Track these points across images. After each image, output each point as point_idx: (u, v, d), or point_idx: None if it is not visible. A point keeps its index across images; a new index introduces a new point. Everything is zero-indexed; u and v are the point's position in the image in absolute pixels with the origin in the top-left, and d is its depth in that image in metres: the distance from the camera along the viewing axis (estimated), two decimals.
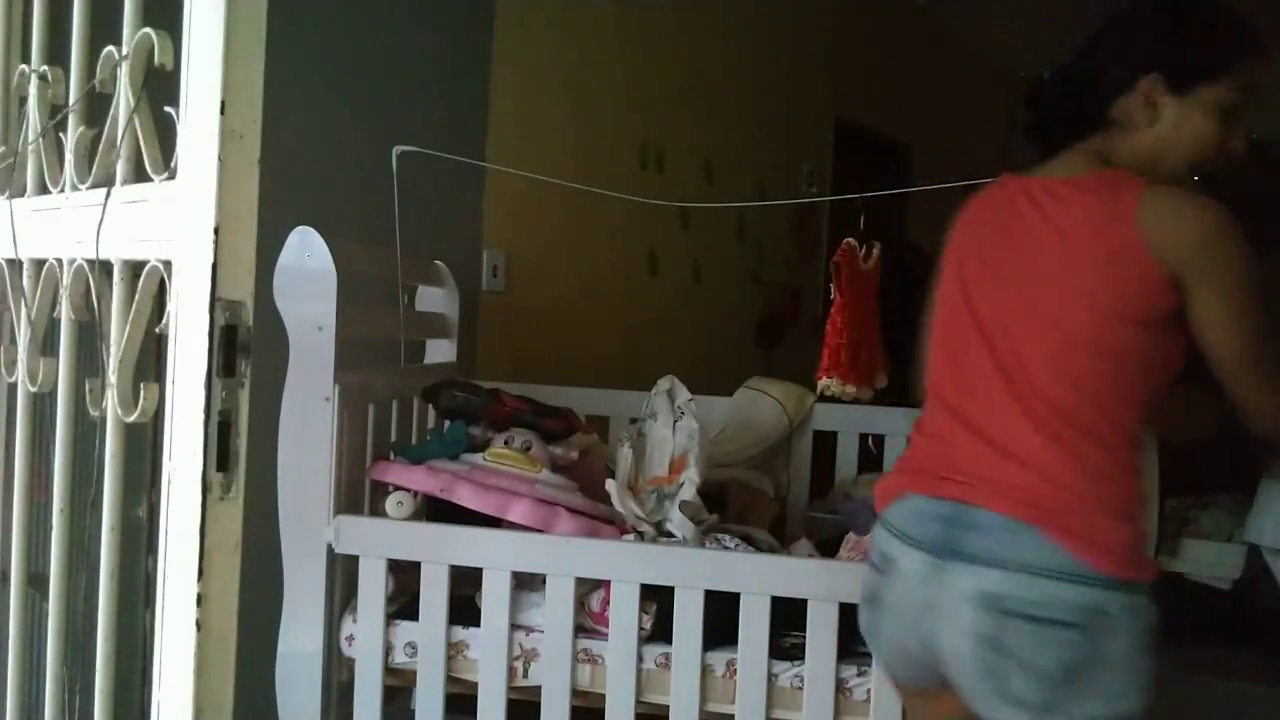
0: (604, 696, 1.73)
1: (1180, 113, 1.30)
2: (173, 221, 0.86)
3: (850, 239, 2.09)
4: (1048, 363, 1.28)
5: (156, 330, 0.91)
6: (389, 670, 1.79)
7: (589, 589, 1.77)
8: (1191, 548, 1.74)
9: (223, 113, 0.78)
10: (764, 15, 3.94)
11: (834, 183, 4.51)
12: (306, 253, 1.71)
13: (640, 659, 1.73)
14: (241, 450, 0.82)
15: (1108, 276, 1.25)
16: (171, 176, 0.87)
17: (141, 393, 0.92)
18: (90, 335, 1.03)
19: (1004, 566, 1.23)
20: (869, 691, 1.66)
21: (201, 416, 0.79)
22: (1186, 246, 1.22)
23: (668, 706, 1.71)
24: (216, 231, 0.79)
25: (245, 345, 0.81)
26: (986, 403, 1.32)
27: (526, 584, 1.80)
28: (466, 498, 1.76)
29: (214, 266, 0.79)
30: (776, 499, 2.28)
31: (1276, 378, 1.28)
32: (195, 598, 0.79)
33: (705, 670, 1.71)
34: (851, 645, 1.64)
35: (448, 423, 2.02)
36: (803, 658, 1.69)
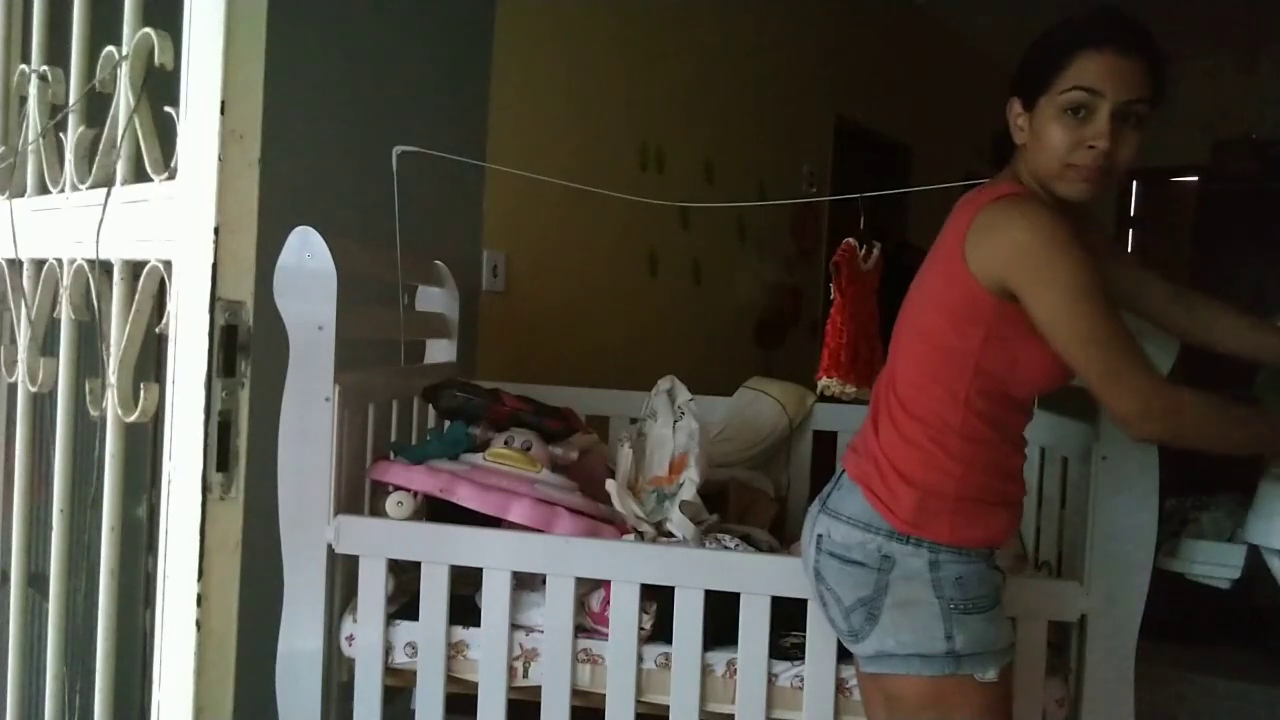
0: (604, 696, 1.73)
1: (1034, 126, 1.39)
2: (173, 221, 0.85)
3: (850, 239, 2.08)
4: (904, 353, 1.47)
5: (156, 330, 0.91)
6: (389, 670, 1.79)
7: (589, 589, 1.77)
8: (1191, 548, 1.73)
9: (223, 113, 0.78)
10: (764, 15, 3.94)
11: (834, 183, 4.51)
12: (306, 253, 1.71)
13: (640, 659, 1.73)
14: (241, 450, 0.82)
15: (942, 275, 1.41)
16: (171, 177, 0.87)
17: (141, 393, 0.92)
18: (90, 335, 1.03)
19: (836, 516, 1.47)
20: None
21: (201, 416, 0.79)
22: (999, 260, 1.34)
23: (668, 706, 1.71)
24: (216, 232, 0.78)
25: (245, 345, 0.81)
26: (878, 384, 1.53)
27: (526, 584, 1.80)
28: (466, 498, 1.76)
29: (214, 266, 0.79)
30: (776, 499, 2.28)
31: (1132, 379, 1.32)
32: (195, 598, 0.79)
33: (705, 670, 1.71)
34: None
35: (448, 423, 2.02)
36: (803, 658, 1.69)
